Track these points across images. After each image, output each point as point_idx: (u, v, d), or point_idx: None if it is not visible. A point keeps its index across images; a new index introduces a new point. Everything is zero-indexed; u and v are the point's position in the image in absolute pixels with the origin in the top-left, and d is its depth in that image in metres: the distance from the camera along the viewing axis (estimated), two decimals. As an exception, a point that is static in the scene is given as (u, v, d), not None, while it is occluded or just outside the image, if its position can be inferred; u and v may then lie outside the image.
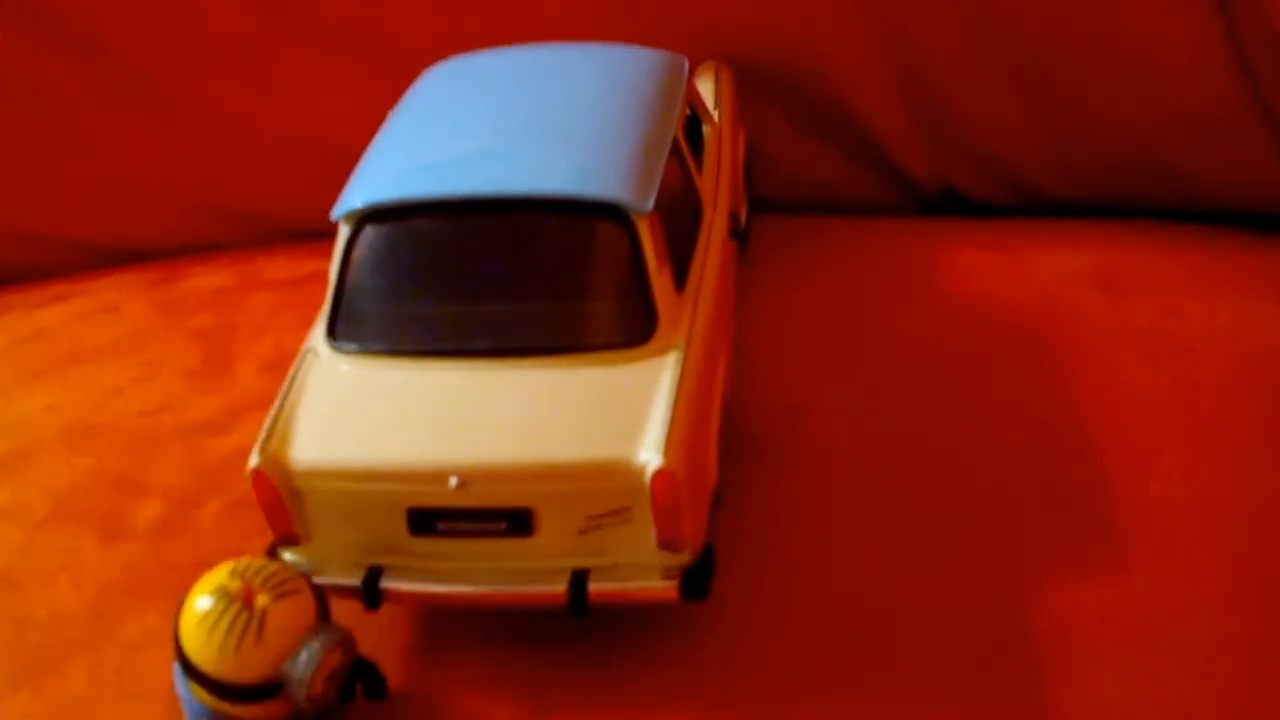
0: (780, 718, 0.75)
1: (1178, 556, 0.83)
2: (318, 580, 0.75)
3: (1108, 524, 0.86)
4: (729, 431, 0.89)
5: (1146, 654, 0.77)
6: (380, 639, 0.82)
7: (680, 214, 0.86)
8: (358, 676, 0.74)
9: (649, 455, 0.71)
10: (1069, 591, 0.81)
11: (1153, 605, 0.80)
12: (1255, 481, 0.89)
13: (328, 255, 0.81)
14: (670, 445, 0.71)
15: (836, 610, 0.82)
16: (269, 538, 0.78)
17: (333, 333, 0.80)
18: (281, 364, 0.80)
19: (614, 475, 0.71)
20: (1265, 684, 0.74)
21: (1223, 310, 1.07)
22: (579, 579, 0.74)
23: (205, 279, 1.31)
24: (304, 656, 0.69)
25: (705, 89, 1.13)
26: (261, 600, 0.70)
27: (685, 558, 0.74)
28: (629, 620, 0.80)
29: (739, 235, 1.01)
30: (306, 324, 0.83)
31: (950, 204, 1.29)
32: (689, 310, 0.81)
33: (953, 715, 0.74)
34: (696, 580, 0.74)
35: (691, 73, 0.99)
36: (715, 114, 1.08)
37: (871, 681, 0.77)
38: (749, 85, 1.20)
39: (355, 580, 0.75)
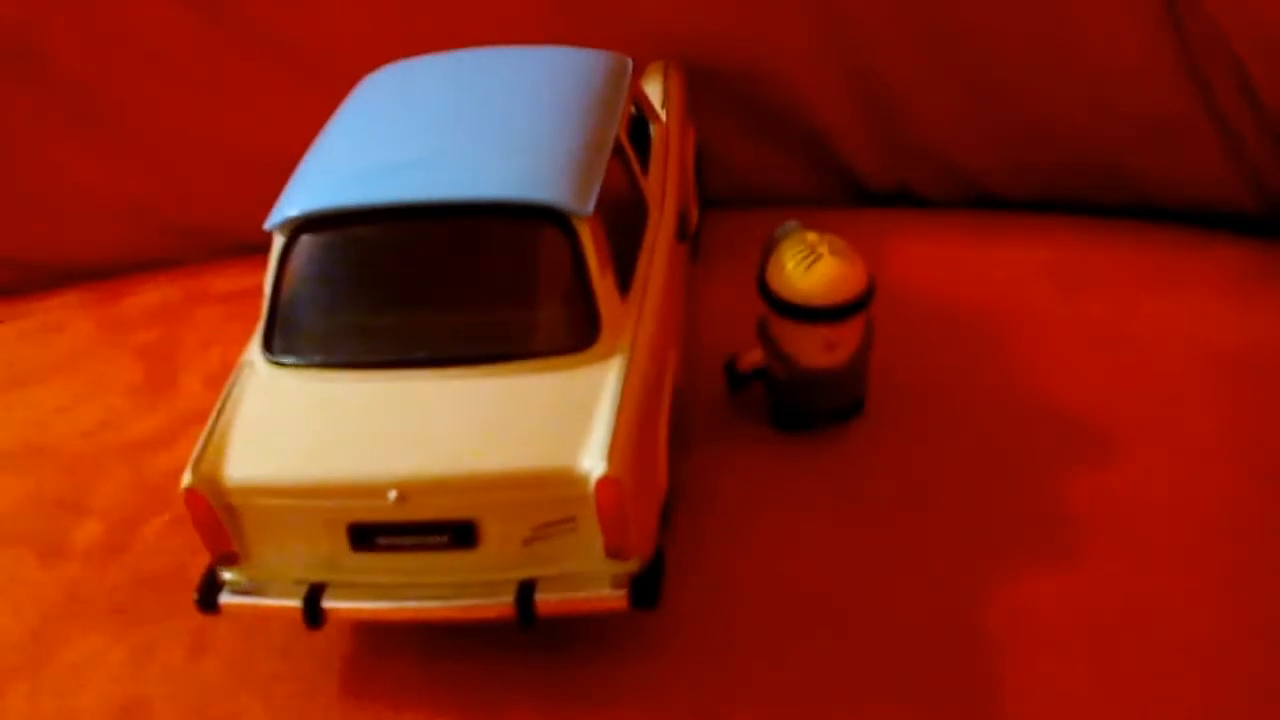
0: (733, 716, 0.75)
1: (1134, 550, 0.83)
2: (257, 601, 0.74)
3: (1064, 518, 0.86)
4: (679, 432, 0.88)
5: (1105, 647, 0.77)
6: (322, 653, 0.81)
7: (624, 216, 0.85)
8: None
9: (593, 463, 0.69)
10: (1026, 585, 0.81)
11: (1110, 598, 0.80)
12: (1211, 475, 0.89)
13: (273, 269, 0.80)
14: (614, 452, 0.70)
15: (792, 608, 0.81)
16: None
17: (269, 345, 0.78)
18: (228, 378, 0.78)
19: (558, 484, 0.70)
20: (1225, 678, 0.74)
21: (1177, 306, 1.08)
22: (526, 590, 0.72)
23: (149, 295, 1.29)
24: None
25: (654, 89, 1.12)
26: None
27: (634, 565, 0.73)
28: (578, 627, 0.80)
29: (687, 237, 1.00)
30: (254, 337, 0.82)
31: (903, 202, 1.29)
32: (634, 314, 0.80)
33: (910, 711, 0.74)
34: (646, 588, 0.73)
35: (638, 73, 0.97)
36: (663, 114, 1.07)
37: (829, 678, 0.77)
38: (699, 85, 1.19)
39: (296, 600, 0.74)
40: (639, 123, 1.01)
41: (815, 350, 0.90)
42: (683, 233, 0.97)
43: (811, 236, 0.90)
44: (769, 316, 0.92)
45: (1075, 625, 0.78)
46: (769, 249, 0.92)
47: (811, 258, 0.88)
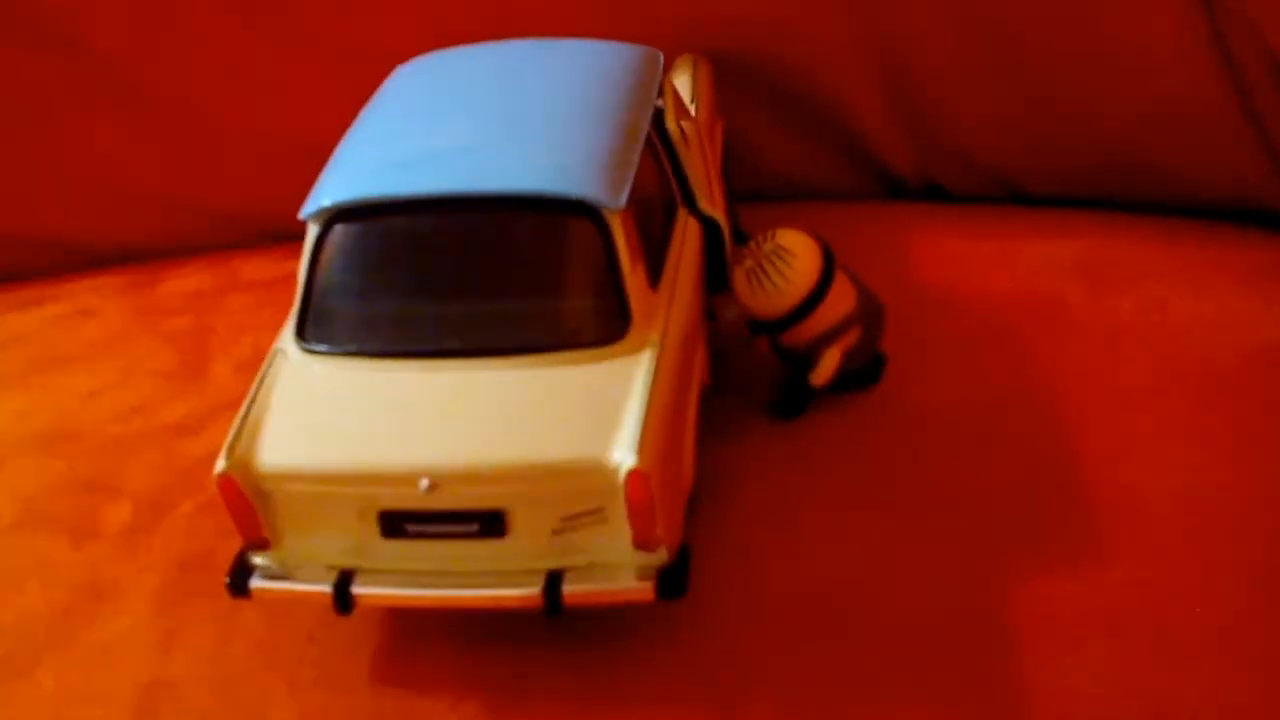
0: (756, 712, 0.75)
1: (1155, 546, 0.83)
2: (287, 586, 0.75)
3: (1085, 512, 0.86)
4: (705, 427, 0.89)
5: (1122, 642, 0.77)
6: (350, 637, 0.82)
7: (654, 210, 0.85)
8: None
9: (623, 455, 0.70)
10: (1044, 582, 0.81)
11: (1129, 593, 0.80)
12: (1233, 473, 0.88)
13: (303, 256, 0.80)
14: (644, 445, 0.70)
15: (809, 604, 0.81)
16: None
17: (302, 333, 0.79)
18: (259, 365, 0.79)
19: (587, 475, 0.70)
20: (1239, 674, 0.74)
21: (1206, 303, 1.07)
22: (553, 580, 0.73)
23: (183, 281, 1.30)
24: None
25: (683, 83, 1.11)
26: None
27: (661, 557, 0.73)
28: (599, 618, 0.80)
29: (744, 239, 1.00)
30: (286, 325, 0.82)
31: (933, 197, 1.28)
32: (663, 307, 0.80)
33: (927, 706, 0.74)
34: (672, 580, 0.73)
35: (667, 67, 0.97)
36: (692, 108, 1.07)
37: (846, 673, 0.77)
38: (730, 80, 1.19)
39: (326, 585, 0.74)
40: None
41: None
42: (737, 235, 0.97)
43: (746, 252, 0.93)
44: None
45: (1092, 621, 0.78)
46: (729, 311, 0.95)
47: (754, 270, 0.92)
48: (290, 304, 0.81)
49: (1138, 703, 0.73)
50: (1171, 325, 1.05)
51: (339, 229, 0.78)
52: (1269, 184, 1.15)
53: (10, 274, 1.36)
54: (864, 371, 0.96)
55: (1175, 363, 1.00)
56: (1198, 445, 0.91)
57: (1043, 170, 1.23)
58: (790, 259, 0.91)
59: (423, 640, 0.81)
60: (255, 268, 1.28)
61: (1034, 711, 0.73)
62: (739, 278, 0.92)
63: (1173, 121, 1.14)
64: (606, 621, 0.80)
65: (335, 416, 0.74)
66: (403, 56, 0.97)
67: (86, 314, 1.26)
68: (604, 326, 0.76)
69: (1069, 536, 0.84)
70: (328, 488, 0.72)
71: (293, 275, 0.80)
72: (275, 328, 0.82)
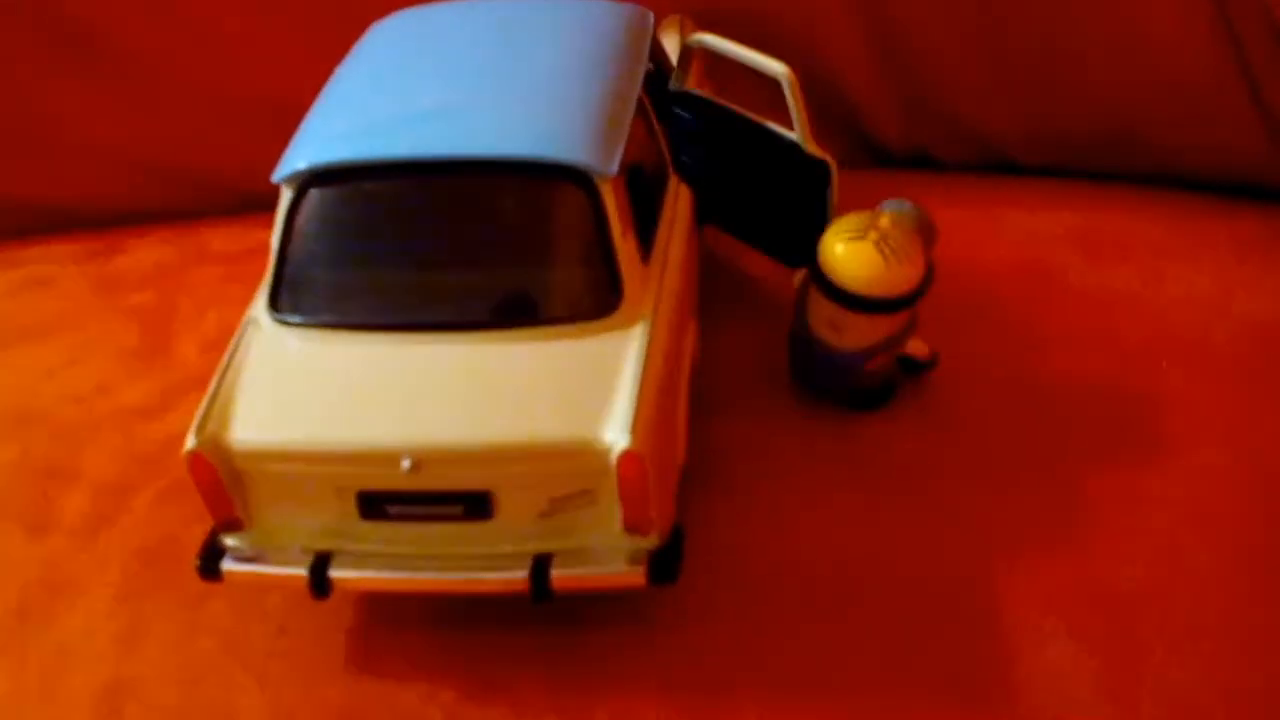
0: (744, 698, 0.73)
1: (1156, 530, 0.82)
2: (261, 569, 0.72)
3: (1078, 492, 0.85)
4: (696, 405, 0.87)
5: (1121, 627, 0.76)
6: (320, 631, 0.79)
7: (645, 178, 0.82)
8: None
9: (615, 435, 0.67)
10: (1044, 569, 0.80)
11: (1129, 584, 0.79)
12: (1233, 452, 0.87)
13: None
14: (637, 425, 0.67)
15: (805, 589, 0.80)
16: (208, 523, 0.74)
17: (275, 304, 0.75)
18: (225, 343, 0.75)
19: (578, 456, 0.68)
20: (1246, 664, 0.73)
21: (1202, 275, 1.06)
22: (541, 564, 0.70)
23: (145, 251, 1.25)
24: None
25: (670, 45, 1.09)
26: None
27: (653, 541, 0.71)
28: (588, 602, 0.78)
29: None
30: (252, 300, 0.79)
31: (922, 165, 1.27)
32: (655, 280, 0.77)
33: (925, 693, 0.73)
34: (665, 564, 0.71)
35: (656, 27, 0.94)
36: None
37: (842, 659, 0.75)
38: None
39: (302, 568, 0.71)
40: (658, 79, 0.98)
41: (821, 320, 0.87)
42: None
43: (884, 221, 0.85)
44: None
45: (1094, 603, 0.77)
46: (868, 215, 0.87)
47: (858, 236, 0.84)
48: (258, 278, 0.77)
49: (1139, 696, 0.72)
50: (1168, 297, 1.04)
51: (314, 193, 0.75)
52: (1266, 156, 1.15)
53: (-40, 237, 1.30)
54: (842, 395, 0.93)
55: (1172, 335, 0.99)
56: (1197, 426, 0.90)
57: (1034, 140, 1.22)
58: (901, 259, 0.84)
59: (397, 629, 0.79)
60: (223, 238, 1.24)
61: (1030, 700, 0.72)
62: (838, 232, 0.85)
63: (1169, 92, 1.13)
64: (590, 606, 0.78)
65: (311, 391, 0.71)
66: (380, 12, 0.93)
67: (42, 284, 1.21)
68: (594, 300, 0.73)
69: (1068, 519, 0.83)
70: (304, 466, 0.69)
71: (263, 247, 0.77)
72: (242, 305, 0.78)
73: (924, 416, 0.92)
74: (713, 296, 1.00)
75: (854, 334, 0.86)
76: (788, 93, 0.90)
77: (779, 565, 0.81)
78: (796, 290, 0.91)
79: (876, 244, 0.83)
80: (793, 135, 0.92)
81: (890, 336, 0.87)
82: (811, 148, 0.91)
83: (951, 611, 0.77)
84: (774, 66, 0.90)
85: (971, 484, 0.86)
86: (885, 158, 1.28)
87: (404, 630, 0.79)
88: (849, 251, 0.84)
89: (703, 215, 0.98)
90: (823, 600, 0.79)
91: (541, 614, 0.77)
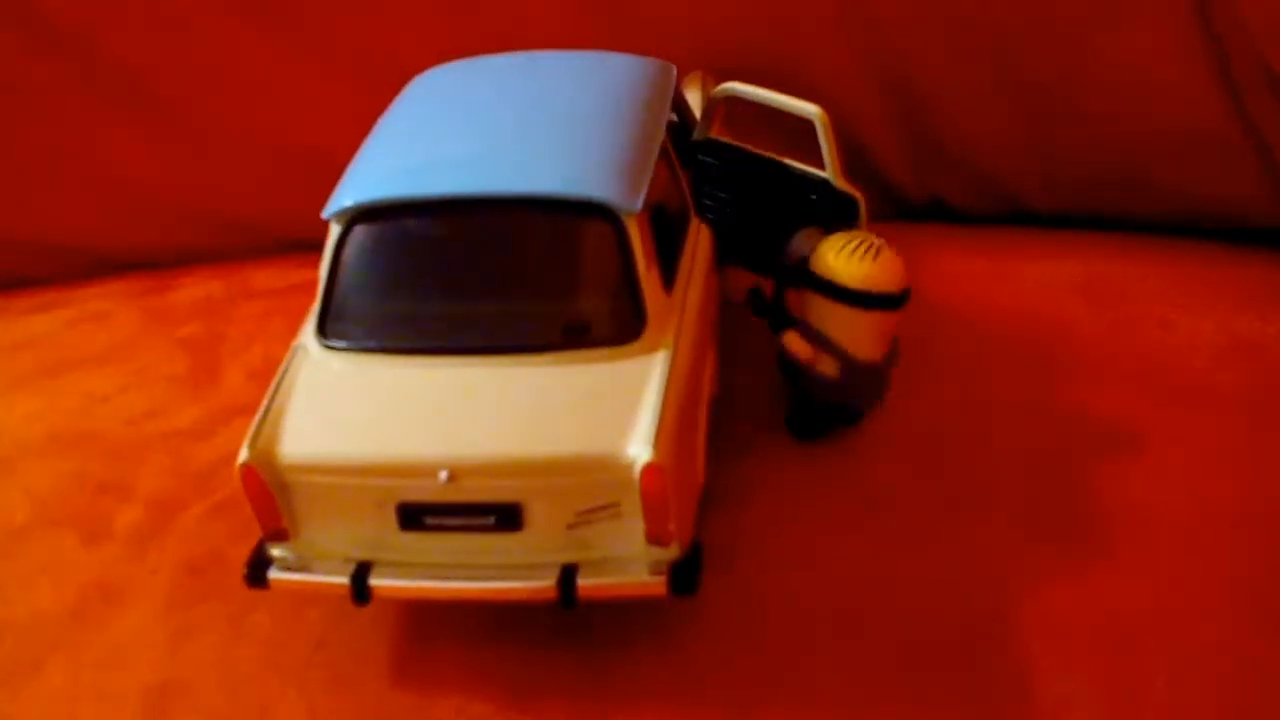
0: (767, 713, 0.75)
1: (1160, 560, 0.84)
2: (305, 577, 0.75)
3: (1089, 524, 0.87)
4: (715, 431, 0.89)
5: (1124, 655, 0.77)
6: (358, 643, 0.82)
7: (668, 216, 0.87)
8: None
9: (638, 449, 0.71)
10: (1052, 592, 0.81)
11: (1132, 606, 0.80)
12: (1239, 489, 0.89)
13: (317, 264, 0.81)
14: (659, 439, 0.71)
15: (821, 612, 0.82)
16: (252, 539, 0.77)
17: (323, 330, 0.80)
18: (269, 372, 0.79)
19: (603, 469, 0.71)
20: (1242, 689, 0.74)
21: (1208, 322, 1.08)
22: (568, 574, 0.73)
23: (194, 288, 1.30)
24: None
25: (693, 98, 1.13)
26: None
27: (674, 552, 0.74)
28: (614, 620, 0.80)
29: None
30: (295, 333, 0.83)
31: (937, 213, 1.30)
32: (677, 310, 0.81)
33: (936, 709, 0.75)
34: (685, 575, 0.74)
35: (678, 80, 0.99)
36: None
37: (857, 680, 0.77)
38: (735, 98, 1.21)
39: (344, 577, 0.75)
40: (681, 130, 1.02)
41: (869, 339, 0.90)
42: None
43: (860, 233, 0.90)
44: (819, 313, 0.90)
45: (1098, 632, 0.79)
46: (803, 246, 0.92)
47: (874, 247, 0.88)
48: (302, 313, 0.82)
49: (1142, 713, 0.73)
50: (1174, 344, 1.06)
51: (360, 229, 0.80)
52: (1270, 203, 1.16)
53: (23, 279, 1.36)
54: (834, 410, 0.96)
55: (1179, 381, 1.01)
56: (1200, 462, 0.92)
57: (1044, 188, 1.24)
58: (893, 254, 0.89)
59: (433, 642, 0.82)
60: (266, 276, 1.29)
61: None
62: (848, 256, 0.88)
63: (1173, 140, 1.15)
64: (619, 623, 0.80)
65: (355, 410, 0.75)
66: (416, 69, 0.99)
67: (98, 319, 1.27)
68: (620, 326, 0.77)
69: (1074, 549, 0.85)
70: (348, 479, 0.73)
71: (304, 285, 0.81)
72: (286, 336, 0.82)
73: (936, 452, 0.95)
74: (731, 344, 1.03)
75: (889, 339, 0.90)
76: (820, 132, 0.94)
77: (798, 589, 0.83)
78: (786, 354, 0.93)
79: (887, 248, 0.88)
80: (822, 173, 0.96)
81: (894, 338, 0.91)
82: (841, 184, 0.96)
83: (964, 635, 0.79)
84: (806, 108, 0.95)
85: (981, 514, 0.88)
86: (905, 209, 1.30)
87: (438, 646, 0.81)
88: (888, 258, 0.88)
89: (725, 255, 1.02)
90: (839, 623, 0.81)
91: (570, 632, 0.80)
